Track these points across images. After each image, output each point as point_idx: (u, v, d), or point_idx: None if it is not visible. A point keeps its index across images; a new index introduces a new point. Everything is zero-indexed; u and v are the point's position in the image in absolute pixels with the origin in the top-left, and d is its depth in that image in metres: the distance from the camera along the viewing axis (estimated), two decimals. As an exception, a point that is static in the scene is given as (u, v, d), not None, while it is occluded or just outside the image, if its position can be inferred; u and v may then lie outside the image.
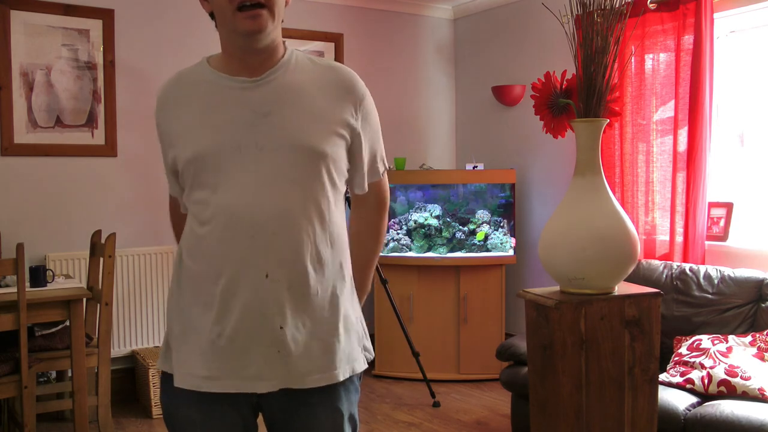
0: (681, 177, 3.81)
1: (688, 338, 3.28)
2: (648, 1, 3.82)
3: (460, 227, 4.70)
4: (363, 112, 1.55)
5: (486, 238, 4.65)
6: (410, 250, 4.70)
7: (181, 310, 1.52)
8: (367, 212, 1.69)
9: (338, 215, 1.54)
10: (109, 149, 4.24)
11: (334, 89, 1.52)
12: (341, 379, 1.52)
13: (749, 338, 3.14)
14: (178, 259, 1.55)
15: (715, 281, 3.44)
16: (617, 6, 2.04)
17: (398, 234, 4.71)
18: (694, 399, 2.94)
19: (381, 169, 1.66)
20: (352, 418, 1.57)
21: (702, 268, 3.53)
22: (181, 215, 1.67)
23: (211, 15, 1.52)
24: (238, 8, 1.41)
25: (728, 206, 3.82)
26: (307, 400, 1.50)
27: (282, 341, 1.44)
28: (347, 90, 1.53)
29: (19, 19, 3.98)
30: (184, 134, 1.49)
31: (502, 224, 4.69)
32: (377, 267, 4.39)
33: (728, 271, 3.44)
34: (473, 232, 4.68)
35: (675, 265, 3.65)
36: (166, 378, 1.55)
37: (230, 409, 1.51)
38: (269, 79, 1.49)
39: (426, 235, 4.70)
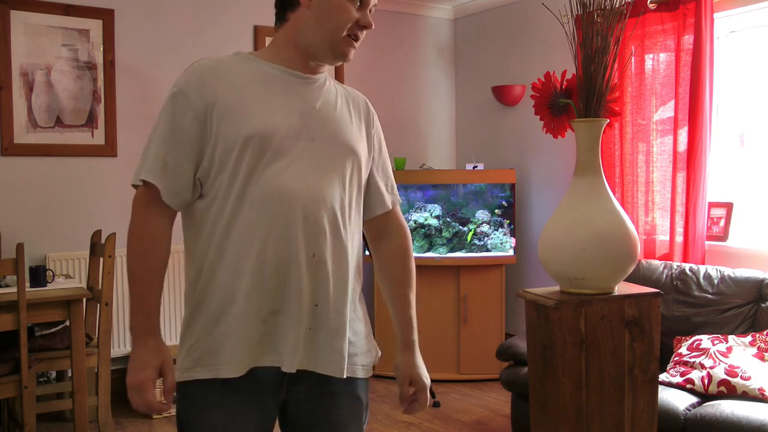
0: (681, 177, 3.81)
1: (688, 338, 3.28)
2: (648, 1, 3.82)
3: (461, 227, 4.70)
4: (376, 130, 1.71)
5: (474, 235, 4.65)
6: (410, 250, 4.69)
7: (222, 299, 1.48)
8: (391, 240, 1.74)
9: (360, 220, 1.65)
10: (109, 149, 4.24)
11: (359, 107, 1.68)
12: (359, 375, 1.61)
13: (749, 338, 3.14)
14: (207, 254, 1.49)
15: (715, 281, 3.44)
16: (617, 6, 2.04)
17: (398, 234, 4.71)
18: (694, 399, 2.94)
19: (397, 196, 1.75)
20: (367, 407, 1.67)
21: (702, 268, 3.53)
22: (163, 226, 1.49)
23: (289, 6, 1.54)
24: (351, 35, 1.54)
25: (728, 206, 3.82)
26: (333, 388, 1.57)
27: (315, 320, 1.51)
28: (365, 110, 1.69)
29: (19, 19, 3.98)
30: (238, 111, 1.47)
31: (502, 224, 4.69)
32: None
33: (728, 271, 3.44)
34: (473, 233, 4.68)
35: (675, 265, 3.65)
36: (186, 387, 1.50)
37: (253, 409, 1.52)
38: (320, 81, 1.61)
39: (426, 235, 4.71)
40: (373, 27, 1.57)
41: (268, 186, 1.47)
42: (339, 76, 5.02)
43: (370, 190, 1.69)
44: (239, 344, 1.47)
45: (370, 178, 1.68)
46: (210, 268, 1.49)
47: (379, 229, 1.73)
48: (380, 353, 1.70)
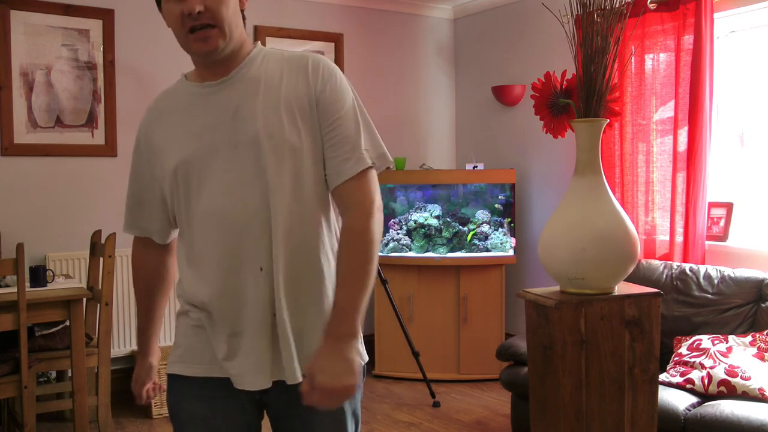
0: (681, 177, 3.81)
1: (688, 338, 3.28)
2: (648, 1, 3.82)
3: (461, 227, 4.70)
4: (324, 91, 1.49)
5: (474, 235, 4.65)
6: (410, 250, 4.70)
7: (187, 318, 1.56)
8: (344, 216, 1.51)
9: (323, 208, 1.52)
10: (109, 149, 4.24)
11: (298, 74, 1.50)
12: None
13: (749, 338, 3.14)
14: (182, 281, 1.59)
15: (715, 281, 3.44)
16: (617, 6, 2.04)
17: (398, 234, 4.72)
18: (694, 399, 2.94)
19: (359, 162, 1.48)
20: (354, 415, 1.59)
21: (702, 268, 3.53)
22: (148, 257, 1.70)
23: None
24: (190, 31, 1.45)
25: (728, 206, 3.82)
26: None
27: (275, 330, 1.48)
28: (308, 72, 1.49)
29: (19, 19, 3.98)
30: (165, 147, 1.54)
31: (502, 224, 4.69)
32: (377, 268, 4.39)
33: (728, 271, 3.44)
34: (473, 233, 4.68)
35: (675, 265, 3.65)
36: (172, 378, 1.58)
37: (234, 405, 1.53)
38: (235, 78, 1.51)
39: (426, 235, 4.70)
40: (198, 9, 1.40)
41: (204, 209, 1.48)
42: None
43: (326, 159, 1.50)
44: (211, 355, 1.52)
45: (326, 144, 1.49)
46: (186, 290, 1.57)
47: (336, 203, 1.53)
48: (366, 358, 1.56)
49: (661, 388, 2.69)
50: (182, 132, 1.52)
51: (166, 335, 4.32)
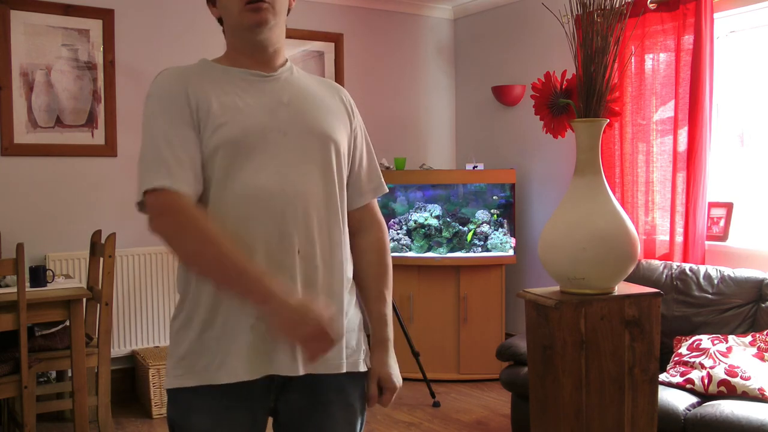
0: (681, 177, 3.81)
1: (688, 338, 3.28)
2: (648, 1, 3.82)
3: (461, 227, 4.70)
4: (357, 120, 1.67)
5: (474, 235, 4.65)
6: (410, 250, 4.70)
7: (210, 306, 1.46)
8: (369, 233, 1.66)
9: (345, 210, 1.59)
10: (109, 149, 4.24)
11: (333, 95, 1.65)
12: (362, 369, 1.59)
13: (749, 338, 3.14)
14: None
15: (715, 281, 3.44)
16: (617, 6, 2.04)
17: (398, 234, 4.72)
18: (694, 399, 2.94)
19: (380, 187, 1.68)
20: (363, 412, 1.63)
21: (702, 268, 3.53)
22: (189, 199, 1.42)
23: (219, 21, 1.59)
24: (245, 3, 1.49)
25: (728, 206, 3.82)
26: (325, 397, 1.54)
27: None
28: (342, 97, 1.66)
29: (19, 19, 3.98)
30: (212, 115, 1.45)
31: (502, 224, 4.69)
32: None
33: (728, 271, 3.44)
34: (473, 233, 4.68)
35: (675, 265, 3.65)
36: (176, 392, 1.49)
37: (244, 415, 1.49)
38: (281, 76, 1.58)
39: (426, 235, 4.70)
40: None
41: (243, 188, 1.44)
42: (339, 75, 5.02)
43: (350, 182, 1.63)
44: (229, 352, 1.44)
45: (351, 168, 1.63)
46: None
47: (356, 222, 1.65)
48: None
49: (661, 388, 2.69)
50: (226, 107, 1.47)
51: (165, 336, 4.32)
